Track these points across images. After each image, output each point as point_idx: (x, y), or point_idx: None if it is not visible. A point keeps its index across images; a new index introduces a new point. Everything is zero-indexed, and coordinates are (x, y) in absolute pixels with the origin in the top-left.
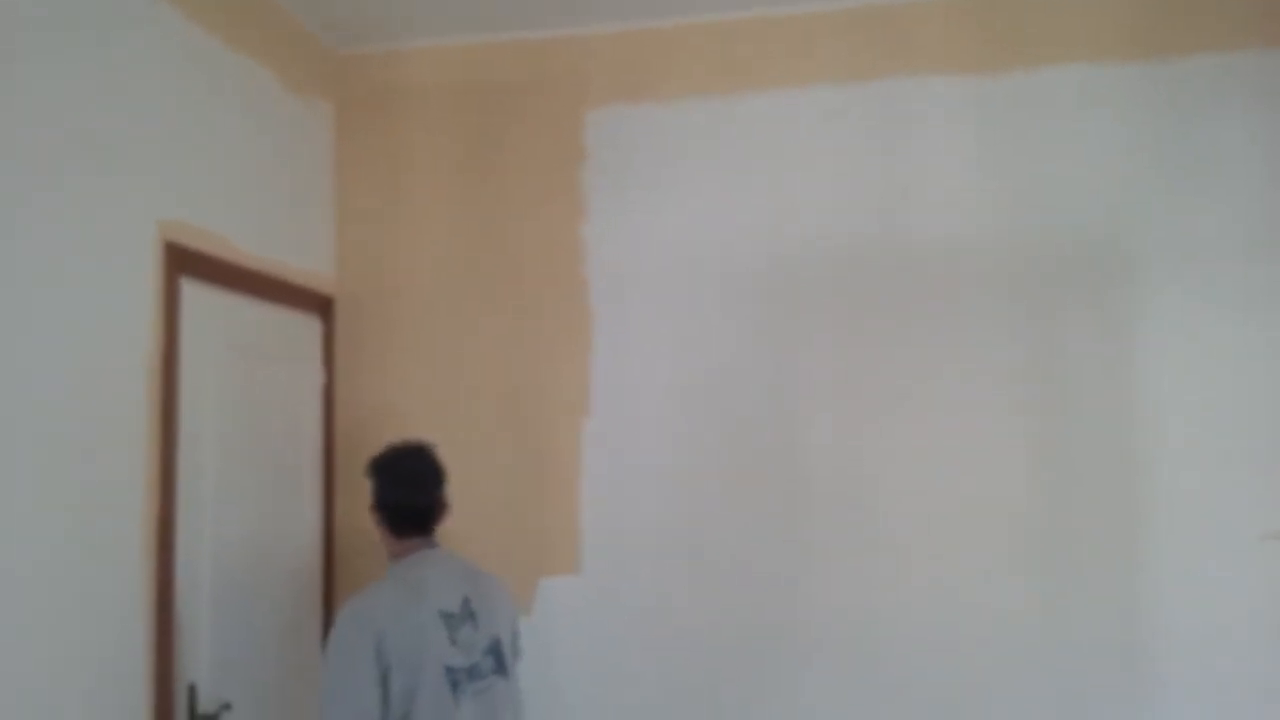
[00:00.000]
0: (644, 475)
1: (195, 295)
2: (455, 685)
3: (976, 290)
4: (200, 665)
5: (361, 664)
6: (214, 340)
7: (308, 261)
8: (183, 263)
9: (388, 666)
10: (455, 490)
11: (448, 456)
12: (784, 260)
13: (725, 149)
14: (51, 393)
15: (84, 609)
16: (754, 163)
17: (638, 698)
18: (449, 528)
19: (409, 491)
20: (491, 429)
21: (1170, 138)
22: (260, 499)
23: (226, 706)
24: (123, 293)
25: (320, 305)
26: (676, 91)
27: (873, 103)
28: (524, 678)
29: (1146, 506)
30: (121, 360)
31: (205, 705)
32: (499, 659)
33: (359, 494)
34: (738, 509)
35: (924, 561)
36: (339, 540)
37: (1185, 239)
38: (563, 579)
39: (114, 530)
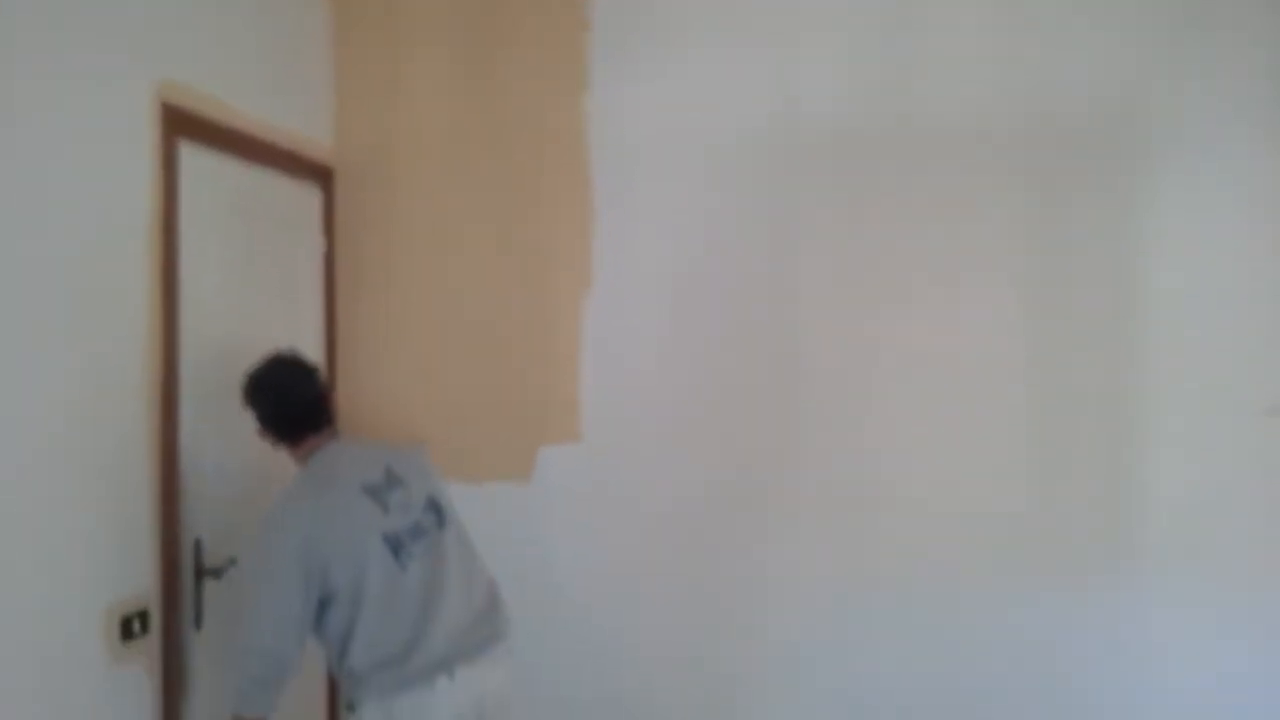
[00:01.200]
0: (643, 346)
1: (194, 158)
2: (397, 550)
3: (981, 168)
4: (205, 522)
5: (283, 572)
6: (213, 204)
7: (307, 129)
8: (180, 124)
9: (323, 561)
10: (457, 361)
11: (449, 329)
12: (788, 133)
13: (731, 20)
14: (52, 257)
15: (90, 470)
16: (760, 35)
17: (633, 560)
18: (460, 398)
19: (282, 396)
20: (493, 300)
21: (1183, 18)
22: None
23: (232, 561)
24: (121, 154)
25: (320, 174)
26: None
27: None
28: (523, 543)
29: (1148, 384)
30: (121, 223)
31: (212, 560)
32: (438, 512)
33: (361, 366)
34: (734, 380)
35: (918, 437)
36: (343, 406)
37: (1188, 118)
38: (562, 447)
39: (118, 391)
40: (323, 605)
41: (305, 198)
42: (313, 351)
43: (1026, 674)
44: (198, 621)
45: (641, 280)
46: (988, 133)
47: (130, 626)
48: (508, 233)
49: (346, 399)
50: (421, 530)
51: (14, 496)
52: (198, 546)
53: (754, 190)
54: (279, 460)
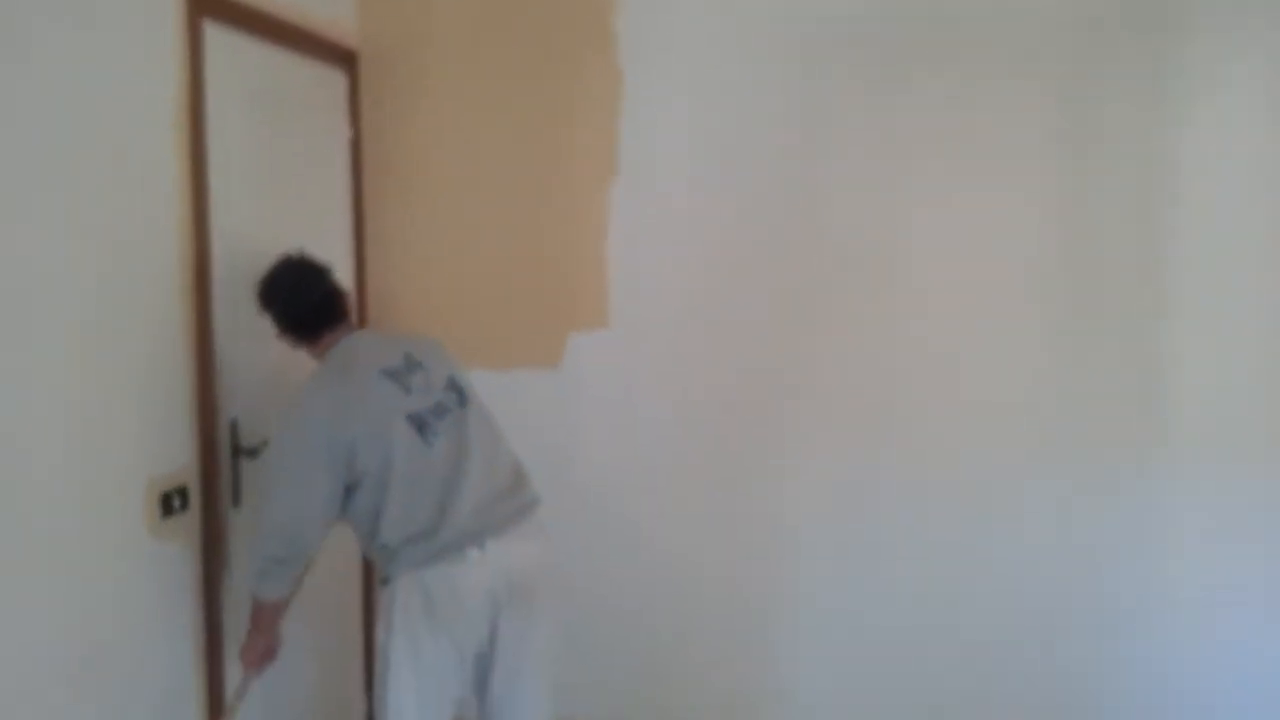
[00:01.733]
0: (670, 236)
1: (219, 40)
2: (423, 428)
3: (1009, 48)
4: (240, 403)
5: (307, 459)
6: (239, 87)
7: (332, 12)
8: (205, 4)
9: (351, 449)
10: (486, 247)
11: (477, 216)
12: (817, 21)
13: None
14: (82, 142)
15: (128, 351)
16: None
17: (659, 447)
18: (489, 285)
19: (294, 297)
20: (521, 187)
21: None
22: (293, 246)
23: (266, 442)
24: (146, 34)
25: (344, 58)
26: None
27: None
28: (551, 429)
29: (1178, 271)
30: (148, 107)
31: (248, 439)
32: (459, 392)
33: (390, 247)
34: (762, 269)
35: (945, 323)
36: (371, 290)
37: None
38: (591, 334)
39: (152, 275)
40: (350, 489)
41: (331, 83)
42: (340, 240)
43: (1049, 568)
44: (235, 499)
45: (668, 166)
46: (1022, 18)
47: (170, 503)
48: (535, 120)
49: (375, 287)
50: (444, 409)
51: (56, 376)
52: (234, 427)
53: (782, 79)
54: None
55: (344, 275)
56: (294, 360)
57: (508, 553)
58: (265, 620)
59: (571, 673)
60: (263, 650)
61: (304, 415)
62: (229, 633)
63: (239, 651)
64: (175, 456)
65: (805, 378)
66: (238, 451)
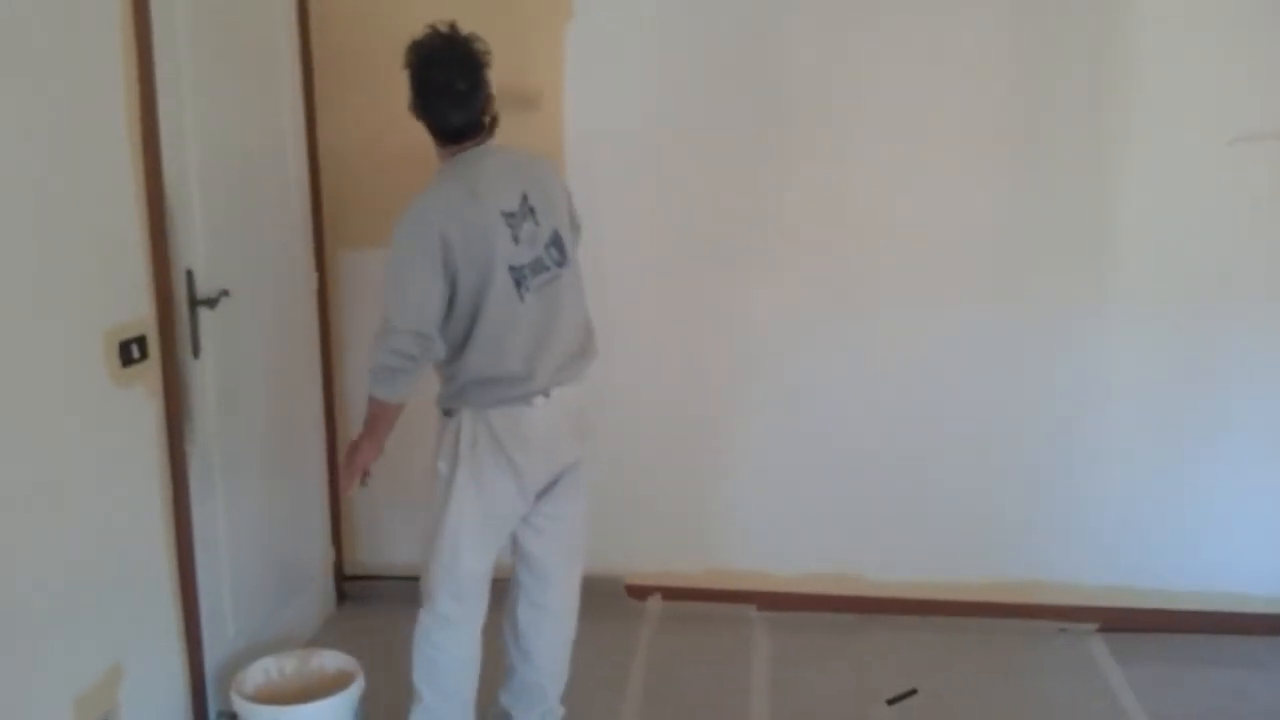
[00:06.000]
0: (628, 79)
1: None
2: (519, 282)
3: None
4: (196, 253)
5: (426, 260)
6: None
7: None
8: None
9: (454, 265)
10: None
11: None
12: None
13: None
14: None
15: (79, 196)
16: None
17: (623, 304)
18: None
19: (439, 113)
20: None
21: None
22: (240, 102)
23: (224, 293)
24: None
25: None
26: None
27: None
28: None
29: (1118, 103)
30: None
31: (204, 290)
32: (560, 249)
33: (339, 101)
34: (720, 110)
35: (904, 163)
36: (323, 146)
37: None
38: None
39: (99, 123)
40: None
41: None
42: (293, 94)
43: (997, 396)
44: (195, 350)
45: (627, 16)
46: None
47: (129, 351)
48: None
49: (325, 136)
50: (543, 266)
51: (8, 231)
52: (189, 277)
53: None
54: (265, 195)
55: (293, 128)
56: (249, 211)
57: (574, 396)
58: (382, 425)
59: None
60: (370, 455)
61: (422, 218)
62: (194, 477)
63: (344, 455)
64: (132, 307)
65: (759, 216)
66: (195, 302)
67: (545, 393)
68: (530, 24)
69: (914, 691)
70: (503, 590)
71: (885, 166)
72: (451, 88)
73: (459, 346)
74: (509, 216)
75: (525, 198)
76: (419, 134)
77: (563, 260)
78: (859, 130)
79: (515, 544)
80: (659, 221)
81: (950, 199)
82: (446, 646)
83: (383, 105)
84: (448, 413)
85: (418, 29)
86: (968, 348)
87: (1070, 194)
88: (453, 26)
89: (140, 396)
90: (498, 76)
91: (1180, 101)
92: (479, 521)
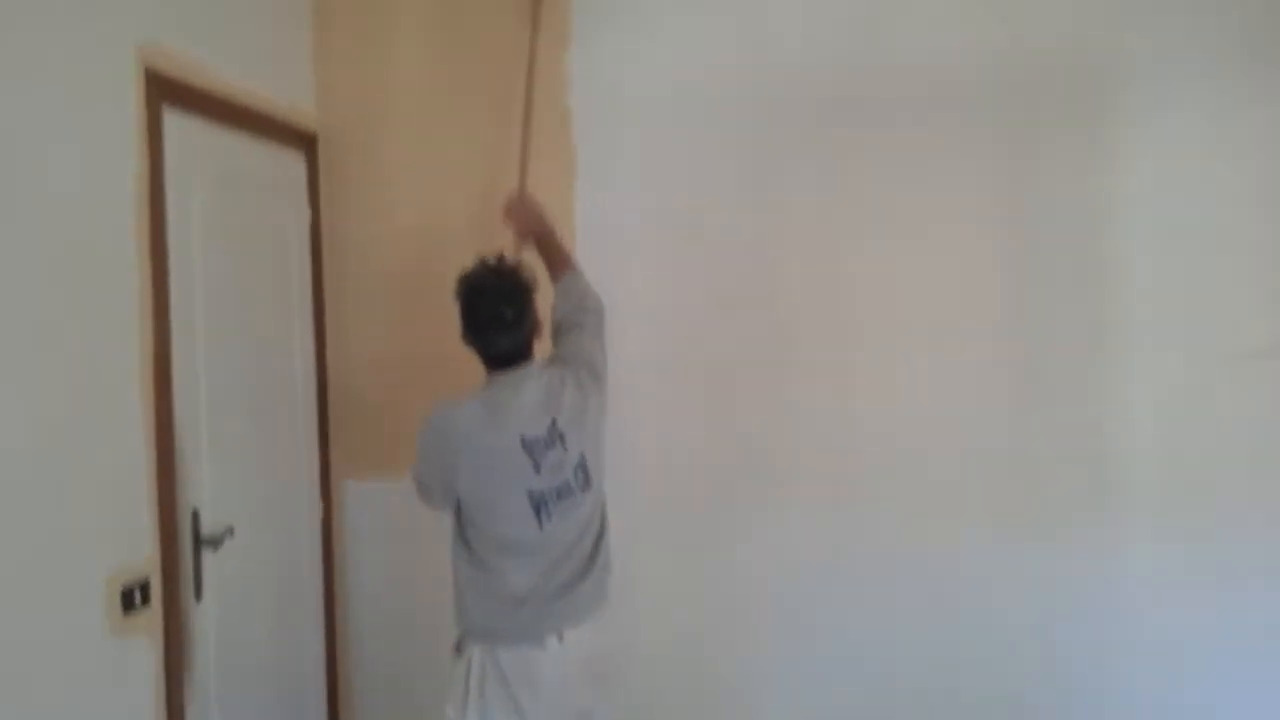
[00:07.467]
0: (628, 306)
1: (178, 125)
2: (539, 508)
3: (954, 110)
4: (203, 491)
5: (436, 465)
6: (199, 172)
7: (290, 96)
8: (164, 91)
9: (458, 488)
10: (443, 327)
11: (433, 292)
12: (766, 86)
13: None
14: (41, 226)
15: (88, 442)
16: None
17: (631, 533)
18: (445, 363)
19: (486, 341)
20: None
21: None
22: (252, 333)
23: (230, 531)
24: (106, 120)
25: (304, 141)
26: None
27: None
28: None
29: (1117, 321)
30: (108, 191)
31: (209, 530)
32: (586, 474)
33: (350, 329)
34: (718, 330)
35: (898, 378)
36: (332, 374)
37: (1157, 52)
38: None
39: (112, 360)
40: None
41: (290, 165)
42: (303, 319)
43: (1012, 616)
44: (198, 592)
45: (624, 238)
46: (963, 76)
47: (131, 597)
48: (490, 195)
49: (334, 363)
50: (567, 490)
51: (13, 469)
52: (195, 516)
53: (735, 142)
54: (273, 426)
55: (303, 353)
56: (259, 449)
57: (589, 641)
58: None
59: None
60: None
61: (440, 426)
62: None
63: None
64: (136, 550)
65: (767, 438)
66: (199, 542)
67: (559, 634)
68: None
69: None
70: None
71: (893, 388)
72: (501, 317)
73: (470, 555)
74: (534, 443)
75: (555, 423)
76: (429, 363)
77: (587, 484)
78: (863, 345)
79: None
80: (658, 447)
81: (948, 416)
82: None
83: (393, 333)
84: (458, 648)
85: (427, 256)
86: (978, 570)
87: (1069, 408)
88: (500, 259)
89: (140, 646)
90: None
91: (1174, 316)
92: None
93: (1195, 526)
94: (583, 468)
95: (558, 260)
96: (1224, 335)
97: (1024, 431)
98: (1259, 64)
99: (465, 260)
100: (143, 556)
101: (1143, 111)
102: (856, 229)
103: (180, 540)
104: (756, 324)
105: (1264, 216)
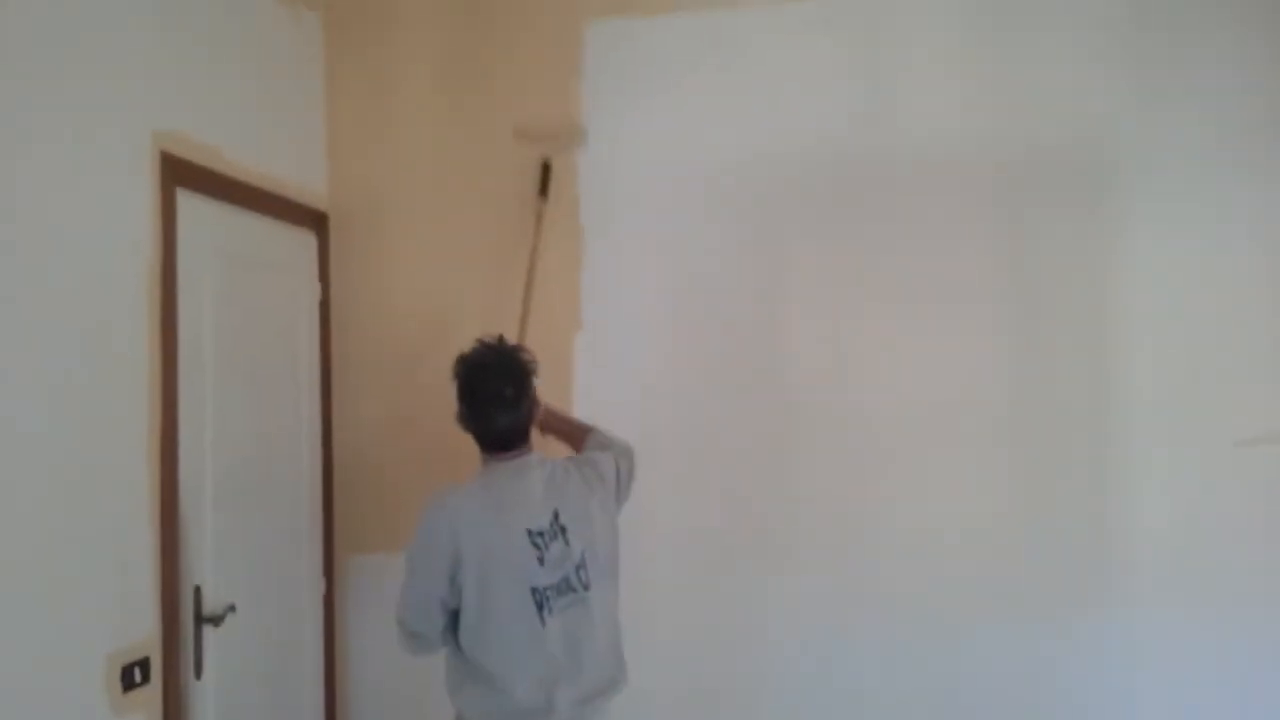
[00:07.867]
0: (635, 385)
1: (191, 206)
2: (541, 605)
3: (956, 197)
4: (205, 568)
5: (433, 565)
6: (211, 252)
7: (301, 176)
8: (178, 173)
9: (460, 581)
10: (448, 405)
11: (439, 370)
12: (771, 169)
13: (714, 61)
14: (55, 302)
15: (91, 518)
16: (744, 75)
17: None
18: (454, 444)
19: (486, 420)
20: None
21: (1157, 48)
22: (260, 408)
23: (231, 608)
24: (121, 203)
25: (314, 220)
26: (667, 6)
27: (856, 14)
28: None
29: (1121, 410)
30: (121, 270)
31: (211, 607)
32: (589, 570)
33: (356, 405)
34: (726, 413)
35: (903, 462)
36: (338, 450)
37: (1161, 146)
38: None
39: (120, 436)
40: (454, 613)
41: (300, 243)
42: (310, 396)
43: (1012, 700)
44: (198, 670)
45: (630, 319)
46: (966, 163)
47: (131, 675)
48: (498, 277)
49: (340, 439)
50: (570, 587)
51: (15, 546)
52: (198, 593)
53: (739, 225)
54: (278, 500)
55: (309, 430)
56: (261, 525)
57: None
58: None
59: None
60: None
61: (439, 515)
62: None
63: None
64: (137, 627)
65: (771, 517)
66: (201, 620)
67: None
68: (544, 337)
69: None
70: None
71: (897, 470)
72: (500, 395)
73: (468, 667)
74: (537, 536)
75: (557, 515)
76: (433, 439)
77: (590, 583)
78: (869, 429)
79: None
80: (667, 538)
81: (951, 500)
82: None
83: (399, 409)
84: None
85: (432, 334)
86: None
87: (1073, 496)
88: (500, 339)
89: None
90: None
91: (1179, 404)
92: None
93: (1199, 610)
94: (585, 565)
95: (575, 431)
96: (1227, 421)
97: (1026, 515)
98: (1259, 153)
99: (469, 340)
100: (144, 634)
101: (1145, 198)
102: (858, 311)
103: (182, 618)
104: (761, 400)
105: (1266, 300)
